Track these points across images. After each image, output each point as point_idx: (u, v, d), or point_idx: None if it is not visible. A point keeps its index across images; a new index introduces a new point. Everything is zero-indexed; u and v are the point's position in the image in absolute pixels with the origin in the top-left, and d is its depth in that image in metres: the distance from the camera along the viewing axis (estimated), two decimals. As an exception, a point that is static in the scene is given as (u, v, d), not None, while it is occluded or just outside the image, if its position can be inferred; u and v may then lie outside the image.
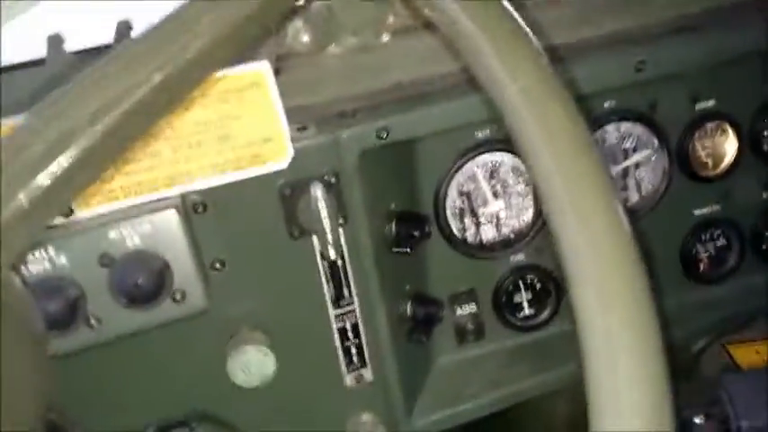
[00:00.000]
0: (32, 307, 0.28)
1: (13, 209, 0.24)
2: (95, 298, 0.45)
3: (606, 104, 0.62)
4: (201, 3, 0.29)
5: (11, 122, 0.44)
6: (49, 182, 0.25)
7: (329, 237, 0.51)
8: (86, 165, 0.26)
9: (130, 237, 0.45)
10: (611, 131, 0.64)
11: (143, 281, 0.45)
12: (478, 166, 0.62)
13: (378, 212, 0.57)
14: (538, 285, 0.66)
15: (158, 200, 0.48)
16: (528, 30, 0.31)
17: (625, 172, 0.66)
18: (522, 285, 0.66)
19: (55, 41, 0.50)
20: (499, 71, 0.30)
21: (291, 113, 0.51)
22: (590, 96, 0.60)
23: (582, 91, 0.57)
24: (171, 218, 0.47)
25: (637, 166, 0.66)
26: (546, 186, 0.29)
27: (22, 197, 0.24)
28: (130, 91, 0.27)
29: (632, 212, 0.66)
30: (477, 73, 0.31)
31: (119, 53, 0.28)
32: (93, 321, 0.45)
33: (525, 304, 0.66)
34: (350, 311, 0.57)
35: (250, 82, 0.49)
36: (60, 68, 0.52)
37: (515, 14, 0.31)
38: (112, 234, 0.45)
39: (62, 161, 0.25)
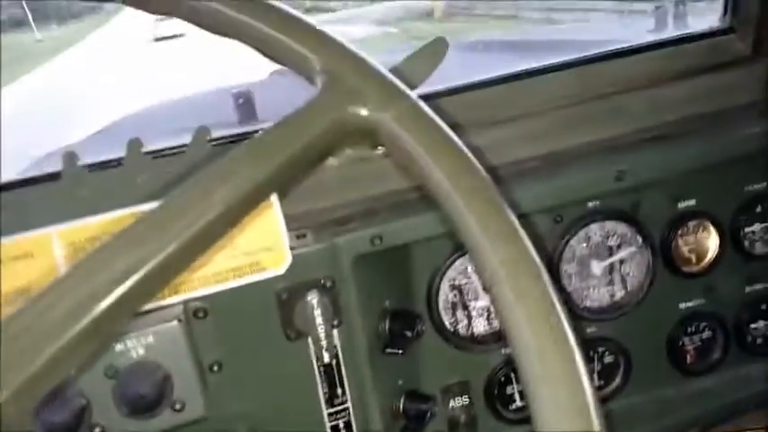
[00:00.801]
0: None
1: (31, 372, 0.26)
2: (100, 407, 0.47)
3: (590, 204, 0.65)
4: (214, 177, 0.32)
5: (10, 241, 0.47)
6: (69, 344, 0.27)
7: (323, 341, 0.53)
8: (103, 326, 0.28)
9: (135, 349, 0.48)
10: (596, 230, 0.66)
11: (145, 392, 0.47)
12: (469, 261, 0.64)
13: (372, 312, 0.59)
14: (528, 377, 0.68)
15: (162, 308, 0.50)
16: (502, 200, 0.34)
17: (611, 268, 0.68)
18: (513, 377, 0.68)
19: (70, 157, 0.54)
20: (483, 246, 0.32)
21: (290, 220, 0.54)
22: (574, 199, 0.63)
23: (565, 198, 0.60)
24: (174, 330, 0.49)
25: (621, 262, 0.68)
26: (523, 364, 0.31)
27: (39, 361, 0.27)
28: (147, 259, 0.28)
29: (619, 307, 0.68)
30: (461, 238, 0.33)
31: (137, 225, 0.30)
32: (96, 430, 0.47)
33: (517, 396, 0.68)
34: (343, 410, 0.59)
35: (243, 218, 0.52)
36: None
37: (495, 191, 0.34)
38: (119, 346, 0.47)
39: (79, 328, 0.27)
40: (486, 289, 0.33)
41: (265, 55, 0.38)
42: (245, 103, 1.11)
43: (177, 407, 0.49)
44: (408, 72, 0.48)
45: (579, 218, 0.65)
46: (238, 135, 0.59)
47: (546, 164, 0.63)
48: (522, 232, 0.32)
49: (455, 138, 0.35)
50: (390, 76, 0.36)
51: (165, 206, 0.30)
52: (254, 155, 0.32)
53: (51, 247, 0.49)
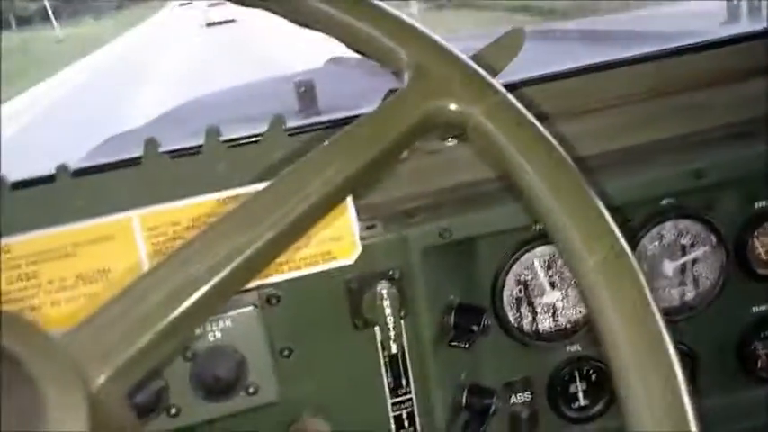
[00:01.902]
0: (135, 424, 0.31)
1: (130, 354, 0.27)
2: (177, 389, 0.49)
3: (664, 202, 0.64)
4: (309, 169, 0.32)
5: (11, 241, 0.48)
6: (169, 327, 0.28)
7: (391, 332, 0.53)
8: (200, 312, 0.29)
9: (212, 332, 0.49)
10: (669, 228, 0.65)
11: (221, 375, 0.48)
12: (536, 256, 0.63)
13: (437, 305, 0.59)
14: (593, 376, 0.67)
15: (239, 292, 0.51)
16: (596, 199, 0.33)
17: (683, 268, 0.66)
18: (577, 375, 0.67)
19: (151, 143, 0.55)
20: (576, 245, 0.31)
21: (360, 210, 0.54)
22: (648, 197, 0.61)
23: (639, 196, 0.59)
24: (251, 315, 0.50)
25: (694, 262, 0.66)
26: (616, 363, 0.30)
27: (141, 342, 0.27)
28: (245, 247, 0.29)
29: (689, 308, 0.66)
30: (553, 237, 0.33)
31: (233, 214, 0.31)
32: (173, 411, 0.49)
33: (580, 395, 0.67)
34: (407, 400, 0.59)
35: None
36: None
37: (587, 188, 0.33)
38: (197, 330, 0.48)
39: (178, 311, 0.28)
40: (577, 285, 0.32)
41: (350, 46, 0.38)
42: (306, 91, 1.12)
43: (251, 390, 0.50)
44: (486, 62, 0.48)
45: (652, 215, 0.63)
46: (312, 125, 0.59)
47: (620, 160, 0.61)
48: (617, 230, 0.32)
49: (546, 133, 0.34)
50: (480, 70, 0.35)
51: (263, 196, 0.31)
52: (345, 148, 0.33)
53: (132, 231, 0.50)
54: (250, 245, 0.29)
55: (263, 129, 0.57)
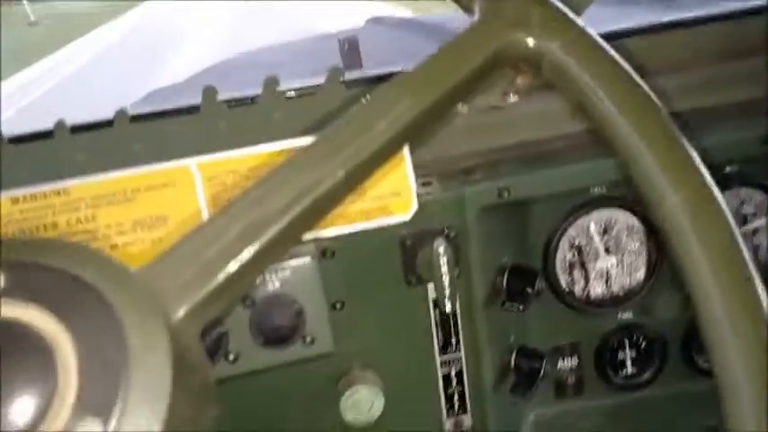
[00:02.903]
0: (207, 363, 0.31)
1: (208, 290, 0.27)
2: (236, 336, 0.49)
3: (727, 169, 0.61)
4: (377, 108, 0.31)
5: (13, 194, 0.48)
6: (240, 268, 0.27)
7: (446, 289, 0.53)
8: (272, 251, 0.28)
9: (271, 281, 0.49)
10: (731, 197, 0.63)
11: (280, 323, 0.48)
12: (592, 220, 0.62)
13: (490, 265, 0.58)
14: (643, 344, 0.66)
15: None
16: (683, 138, 0.32)
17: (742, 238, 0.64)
18: (627, 343, 0.66)
19: (209, 91, 0.54)
20: (660, 181, 0.31)
21: (417, 167, 0.53)
22: (713, 162, 0.59)
23: (706, 161, 0.56)
24: (308, 265, 0.50)
25: (755, 232, 0.65)
26: (703, 304, 0.29)
27: (218, 279, 0.27)
28: (316, 185, 0.29)
29: (747, 279, 0.65)
30: (636, 178, 0.32)
31: (305, 153, 0.30)
32: (231, 357, 0.49)
33: (629, 363, 0.66)
34: (456, 359, 0.59)
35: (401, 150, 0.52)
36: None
37: (672, 123, 0.32)
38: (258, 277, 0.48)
39: (253, 250, 0.28)
40: (659, 225, 0.31)
41: None
42: (350, 48, 1.10)
43: (308, 340, 0.51)
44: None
45: (715, 182, 0.61)
46: (370, 77, 0.58)
47: (684, 123, 0.59)
48: (704, 170, 0.31)
49: (629, 68, 0.33)
50: (557, 3, 0.33)
51: (330, 136, 0.30)
52: (415, 86, 0.31)
53: (191, 178, 0.50)
54: (320, 185, 0.29)
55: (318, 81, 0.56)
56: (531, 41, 0.32)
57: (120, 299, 0.24)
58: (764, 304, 0.28)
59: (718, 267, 0.28)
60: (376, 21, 1.72)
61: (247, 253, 0.27)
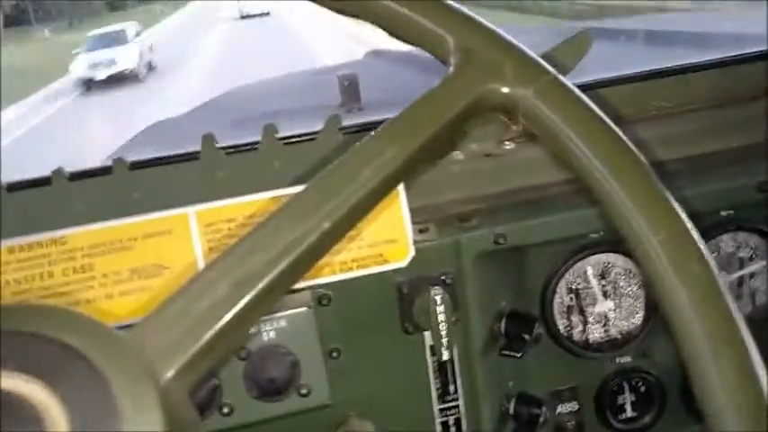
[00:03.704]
0: (197, 421, 0.31)
1: (197, 349, 0.27)
2: (230, 388, 0.49)
3: (723, 213, 0.62)
4: (361, 158, 0.32)
5: (10, 243, 0.48)
6: (228, 324, 0.28)
7: (443, 338, 0.52)
8: (260, 305, 0.29)
9: (267, 332, 0.48)
10: (727, 240, 0.63)
11: (275, 375, 0.48)
12: (590, 265, 0.62)
13: (488, 311, 0.58)
14: (642, 388, 0.65)
15: (291, 291, 0.51)
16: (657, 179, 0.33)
17: (739, 281, 0.64)
18: (626, 387, 0.65)
19: (208, 139, 0.55)
20: (641, 228, 0.31)
21: (414, 213, 0.53)
22: (708, 209, 0.59)
23: (699, 207, 0.57)
24: (304, 315, 0.50)
25: (751, 276, 0.65)
26: (685, 341, 0.29)
27: (207, 336, 0.27)
28: (303, 238, 0.29)
29: (746, 323, 0.64)
30: (615, 222, 0.32)
31: (291, 205, 0.31)
32: (225, 410, 0.49)
33: (628, 407, 0.66)
34: (454, 407, 0.58)
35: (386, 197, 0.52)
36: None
37: (646, 166, 0.32)
38: (252, 329, 0.48)
39: (241, 305, 0.28)
40: (639, 267, 0.32)
41: (392, 34, 0.37)
42: (350, 85, 1.11)
43: (303, 392, 0.50)
44: (556, 60, 0.47)
45: (711, 227, 0.62)
46: (367, 124, 0.58)
47: (680, 169, 0.59)
48: (679, 209, 0.31)
49: (600, 112, 0.33)
50: (530, 52, 0.34)
51: (316, 187, 0.31)
52: (396, 136, 0.32)
53: (188, 227, 0.50)
54: (307, 236, 0.29)
55: (317, 126, 0.57)
56: (505, 90, 0.33)
57: (109, 364, 0.24)
58: (747, 341, 0.28)
59: (700, 307, 0.29)
60: (375, 54, 1.74)
61: (235, 310, 0.27)
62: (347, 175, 0.31)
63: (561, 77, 0.34)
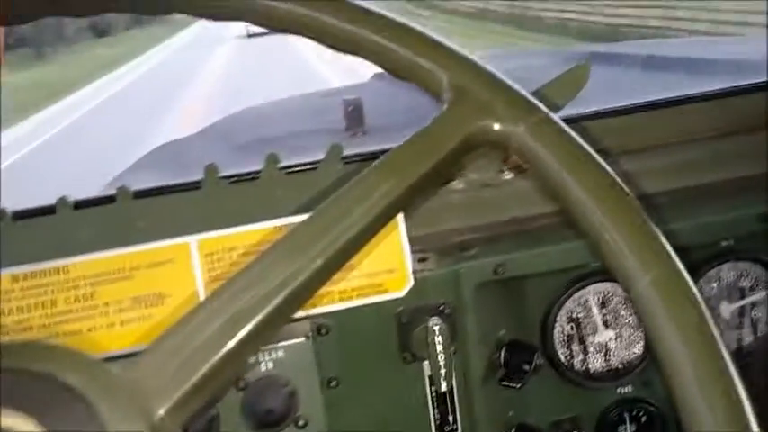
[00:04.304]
0: None
1: (190, 385, 0.27)
2: (228, 419, 0.49)
3: (724, 244, 0.62)
4: (353, 196, 0.32)
5: (14, 272, 0.49)
6: (227, 356, 0.28)
7: (442, 369, 0.53)
8: (252, 341, 0.29)
9: (265, 362, 0.49)
10: (728, 270, 0.63)
11: (273, 406, 0.48)
12: (590, 294, 0.62)
13: (487, 341, 0.58)
14: (643, 419, 0.65)
15: (291, 322, 0.51)
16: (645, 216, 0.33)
17: (741, 311, 0.64)
18: (627, 417, 0.65)
19: (210, 169, 0.55)
20: (628, 264, 0.31)
21: (413, 242, 0.54)
22: (708, 240, 0.60)
23: (700, 238, 0.57)
24: (303, 346, 0.50)
25: (753, 305, 0.64)
26: (675, 380, 0.30)
27: (201, 373, 0.27)
28: (296, 275, 0.30)
29: (746, 353, 0.64)
30: (606, 261, 0.32)
31: (284, 242, 0.31)
32: None
33: (629, 437, 0.65)
34: None
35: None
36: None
37: (637, 204, 0.33)
38: (251, 359, 0.48)
39: (234, 342, 0.28)
40: (633, 306, 0.32)
41: (387, 70, 0.38)
42: (354, 110, 1.12)
43: (300, 423, 0.50)
44: (550, 96, 0.47)
45: (712, 257, 0.62)
46: (369, 154, 0.59)
47: (681, 199, 0.60)
48: (670, 248, 0.31)
49: (592, 151, 0.34)
50: (521, 90, 0.35)
51: (309, 225, 0.31)
52: (388, 173, 0.33)
53: (190, 256, 0.50)
54: (300, 273, 0.30)
55: (323, 149, 0.57)
56: (497, 126, 0.34)
57: (101, 401, 0.25)
58: (737, 382, 0.29)
59: (690, 350, 0.29)
60: (381, 77, 1.75)
61: (230, 345, 0.28)
62: (341, 212, 0.32)
63: (552, 115, 0.34)
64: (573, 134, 0.34)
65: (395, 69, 0.37)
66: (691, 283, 0.31)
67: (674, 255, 0.31)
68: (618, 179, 0.33)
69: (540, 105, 0.35)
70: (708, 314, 0.30)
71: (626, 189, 0.33)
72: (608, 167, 0.33)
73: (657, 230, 0.32)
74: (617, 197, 0.32)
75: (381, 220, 0.33)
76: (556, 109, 0.37)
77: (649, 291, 0.30)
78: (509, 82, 0.35)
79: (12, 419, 0.24)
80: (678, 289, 0.30)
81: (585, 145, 0.34)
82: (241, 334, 0.28)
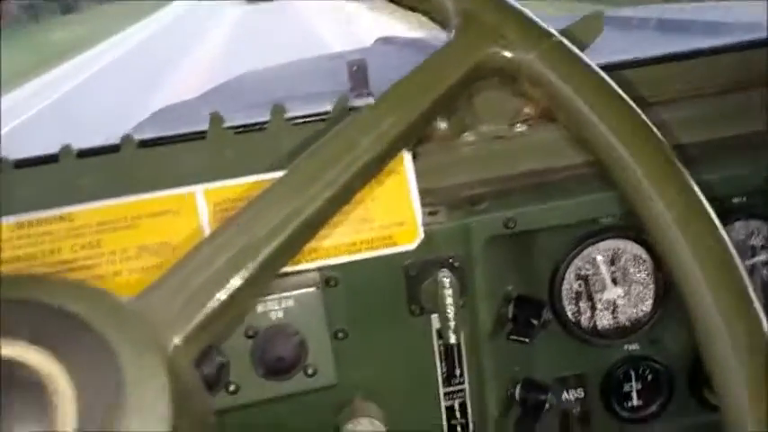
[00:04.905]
0: (203, 390, 0.31)
1: (200, 318, 0.27)
2: (238, 366, 0.49)
3: (735, 201, 0.61)
4: (361, 126, 0.31)
5: (17, 219, 0.48)
6: (231, 294, 0.28)
7: (451, 321, 0.52)
8: (261, 275, 0.29)
9: (275, 311, 0.48)
10: (739, 228, 0.62)
11: (282, 354, 0.48)
12: (599, 251, 0.61)
13: (496, 296, 0.58)
14: (650, 377, 0.65)
15: (300, 272, 0.51)
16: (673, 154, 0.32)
17: (751, 270, 0.64)
18: (633, 375, 0.65)
19: (216, 119, 0.54)
20: (653, 198, 0.31)
21: (423, 195, 0.53)
22: (722, 194, 0.59)
23: (713, 194, 0.56)
24: (312, 296, 0.50)
25: (764, 264, 0.64)
26: (700, 318, 0.29)
27: (211, 305, 0.27)
28: (303, 207, 0.29)
29: (756, 312, 0.64)
30: (623, 189, 0.32)
31: (290, 175, 0.31)
32: (232, 388, 0.49)
33: (635, 395, 0.65)
34: (459, 390, 0.58)
35: (390, 167, 0.51)
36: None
37: (650, 125, 0.32)
38: (260, 307, 0.48)
39: (243, 275, 0.28)
40: (649, 231, 0.31)
41: (395, 2, 0.37)
42: (358, 71, 1.10)
43: (310, 372, 0.50)
44: (574, 36, 0.46)
45: (722, 214, 0.61)
46: None
47: (692, 154, 0.58)
48: (686, 171, 0.31)
49: (606, 77, 0.33)
50: (532, 16, 0.34)
51: (315, 156, 0.31)
52: (396, 103, 0.32)
53: (195, 206, 0.50)
54: (307, 206, 0.29)
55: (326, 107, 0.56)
56: (508, 54, 0.33)
57: (114, 333, 0.24)
58: (761, 315, 0.29)
59: (714, 282, 0.29)
60: (385, 41, 1.72)
61: (238, 279, 0.27)
62: (346, 144, 0.31)
63: (565, 41, 0.33)
64: (586, 59, 0.33)
65: None
66: (708, 207, 0.31)
67: (691, 181, 0.31)
68: (633, 105, 0.32)
69: (553, 31, 0.33)
70: (731, 248, 0.30)
71: (643, 116, 0.32)
72: (624, 95, 0.32)
73: (674, 156, 0.31)
74: (632, 121, 0.32)
75: (389, 152, 0.32)
76: (583, 46, 0.36)
77: (667, 214, 0.30)
78: (520, 7, 0.34)
79: (21, 350, 0.24)
80: (696, 212, 0.31)
81: (599, 70, 0.33)
82: (249, 268, 0.28)
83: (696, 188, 0.31)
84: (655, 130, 0.32)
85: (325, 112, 0.55)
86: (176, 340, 0.26)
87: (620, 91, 0.33)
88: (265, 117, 0.55)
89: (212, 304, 0.27)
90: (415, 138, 0.33)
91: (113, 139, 0.55)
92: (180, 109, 1.33)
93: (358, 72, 1.15)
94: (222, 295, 0.27)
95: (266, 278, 0.29)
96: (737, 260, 0.30)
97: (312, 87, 1.27)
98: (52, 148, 0.53)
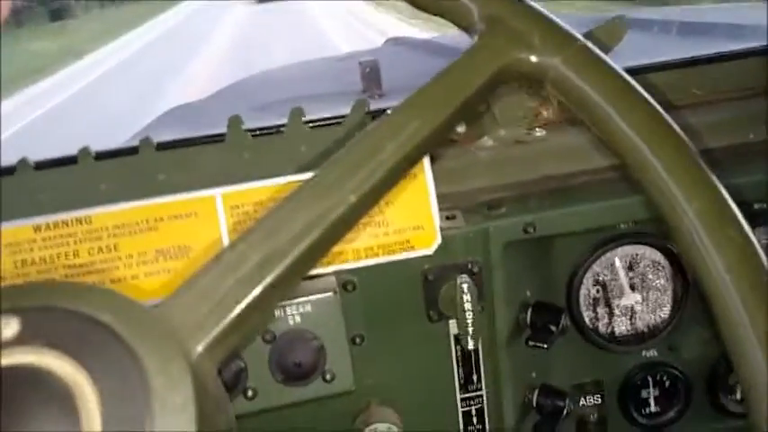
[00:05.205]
0: (226, 397, 0.30)
1: (225, 324, 0.27)
2: (256, 371, 0.48)
3: (756, 207, 0.60)
4: (386, 131, 0.31)
5: (36, 222, 0.48)
6: (256, 300, 0.27)
7: (469, 326, 0.52)
8: (286, 280, 0.28)
9: (293, 316, 0.48)
10: (759, 235, 0.62)
11: (301, 360, 0.47)
12: (618, 256, 0.61)
13: (514, 301, 0.58)
14: (667, 383, 0.64)
15: (318, 277, 0.50)
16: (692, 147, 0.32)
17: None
18: (651, 381, 0.64)
19: (234, 121, 0.54)
20: (675, 193, 0.30)
21: (441, 199, 0.53)
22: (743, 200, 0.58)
23: (733, 199, 0.56)
24: (330, 301, 0.49)
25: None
26: (722, 309, 0.29)
27: (236, 312, 0.27)
28: (328, 212, 0.29)
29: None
30: (648, 190, 0.31)
31: (315, 180, 0.30)
32: (250, 393, 0.48)
33: (652, 401, 0.65)
34: (477, 396, 0.58)
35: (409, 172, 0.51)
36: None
37: (676, 128, 0.32)
38: (277, 312, 0.48)
39: (268, 281, 0.27)
40: (674, 236, 0.31)
41: (416, 5, 0.37)
42: (371, 72, 1.10)
43: (328, 377, 0.50)
44: (598, 39, 0.46)
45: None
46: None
47: (713, 159, 0.58)
48: (714, 178, 0.31)
49: (632, 80, 0.32)
50: (557, 20, 0.34)
51: (339, 162, 0.30)
52: (420, 109, 0.31)
53: (215, 209, 0.49)
54: (333, 211, 0.29)
55: (339, 112, 0.56)
56: (533, 59, 0.32)
57: (139, 340, 0.24)
58: None
59: (736, 273, 0.28)
60: (395, 41, 1.72)
61: (263, 285, 0.27)
62: (372, 149, 0.30)
63: (590, 45, 0.33)
64: (612, 63, 0.33)
65: (424, 4, 0.36)
66: (737, 212, 0.30)
67: (720, 186, 0.31)
68: (660, 109, 0.32)
69: (578, 35, 0.33)
70: (755, 239, 0.30)
71: (668, 118, 0.31)
72: (650, 97, 0.32)
73: (699, 158, 0.31)
74: (660, 127, 0.31)
75: (413, 157, 0.32)
76: (608, 49, 0.35)
77: (695, 220, 0.30)
78: (544, 11, 0.33)
79: (46, 358, 0.24)
80: (723, 214, 0.30)
81: (625, 74, 0.32)
82: (274, 274, 0.27)
83: (723, 190, 0.31)
84: (680, 132, 0.32)
85: (342, 116, 0.55)
86: (200, 347, 0.25)
87: (646, 94, 0.32)
88: (276, 119, 0.55)
89: (237, 311, 0.27)
90: (439, 142, 0.33)
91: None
92: (192, 108, 1.33)
93: (371, 73, 1.14)
94: (247, 302, 0.27)
95: (291, 283, 0.29)
96: (765, 260, 0.30)
97: (323, 88, 1.26)
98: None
